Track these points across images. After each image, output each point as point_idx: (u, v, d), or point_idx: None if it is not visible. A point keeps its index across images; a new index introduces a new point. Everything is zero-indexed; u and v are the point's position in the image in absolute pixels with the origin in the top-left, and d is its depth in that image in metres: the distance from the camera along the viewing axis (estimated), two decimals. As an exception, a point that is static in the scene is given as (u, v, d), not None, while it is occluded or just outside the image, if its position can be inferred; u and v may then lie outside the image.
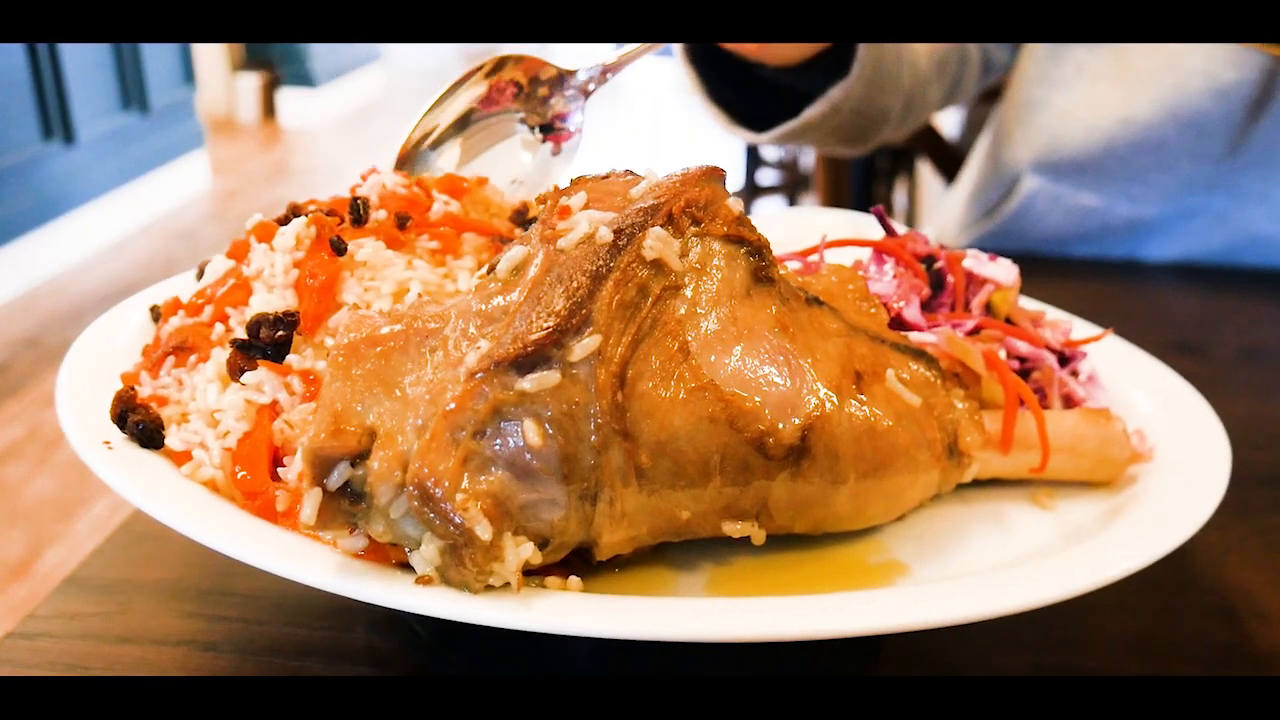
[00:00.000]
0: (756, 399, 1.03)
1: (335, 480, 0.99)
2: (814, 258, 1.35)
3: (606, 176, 1.12)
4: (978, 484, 1.25)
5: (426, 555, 0.98)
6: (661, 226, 1.03)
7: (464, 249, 1.33)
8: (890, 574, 1.10)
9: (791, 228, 1.69)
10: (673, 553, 1.11)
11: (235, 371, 1.27)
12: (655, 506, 1.02)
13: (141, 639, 1.29)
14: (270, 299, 1.30)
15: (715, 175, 1.11)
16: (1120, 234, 2.57)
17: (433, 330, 1.03)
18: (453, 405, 0.96)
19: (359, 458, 0.99)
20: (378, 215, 1.37)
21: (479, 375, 0.96)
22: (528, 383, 0.96)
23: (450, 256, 1.32)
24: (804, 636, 0.94)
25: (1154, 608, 1.34)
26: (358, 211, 1.36)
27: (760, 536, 1.07)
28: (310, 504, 0.98)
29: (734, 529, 1.05)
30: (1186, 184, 2.43)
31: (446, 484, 0.95)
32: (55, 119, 6.98)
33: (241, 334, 1.30)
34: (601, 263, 0.99)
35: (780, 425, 1.03)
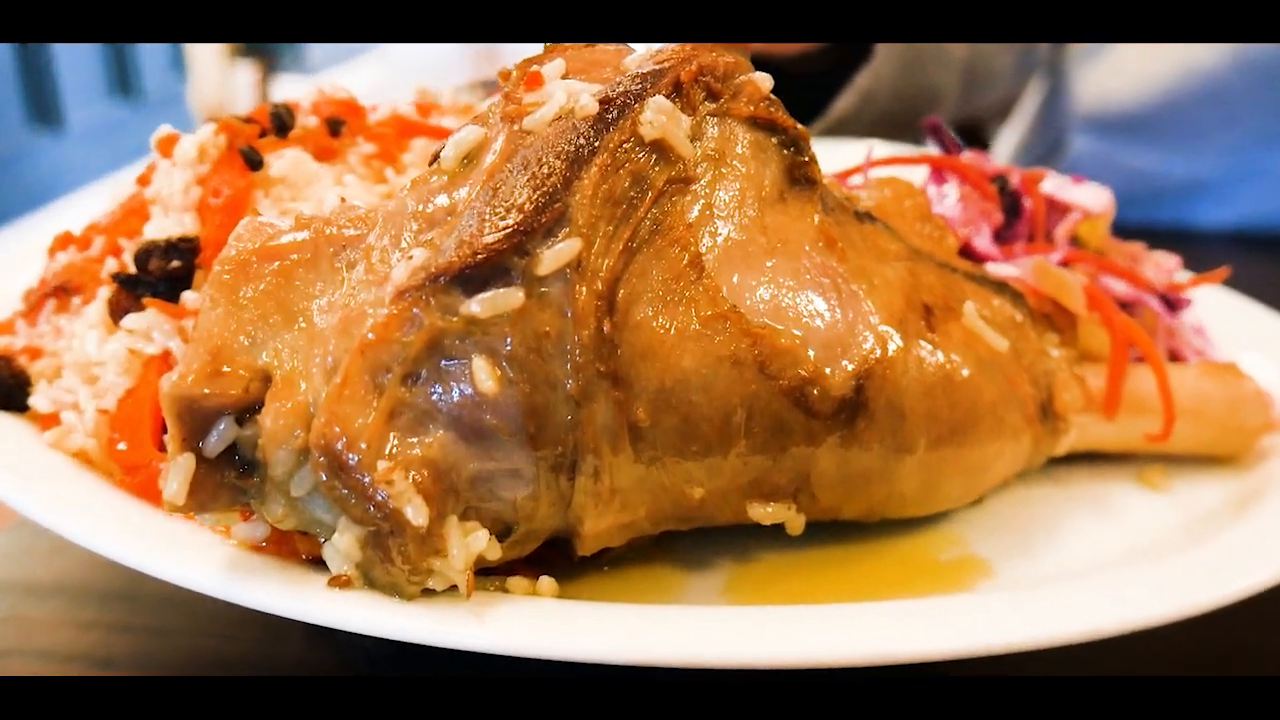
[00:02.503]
0: (795, 334, 0.75)
1: (215, 443, 0.71)
2: (858, 179, 1.07)
3: (593, 45, 0.84)
4: (1071, 458, 0.97)
5: (342, 547, 0.71)
6: (666, 96, 0.75)
7: (411, 160, 1.05)
8: (968, 575, 0.83)
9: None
10: (680, 546, 0.83)
11: (118, 314, 0.99)
12: (657, 481, 0.74)
13: (28, 652, 1.01)
14: (167, 224, 1.03)
15: (737, 50, 0.83)
16: (1172, 196, 2.34)
17: (351, 238, 0.75)
18: (372, 336, 0.68)
19: (247, 411, 0.71)
20: (308, 123, 1.09)
21: (410, 295, 0.68)
22: (478, 304, 0.68)
23: (392, 170, 1.04)
24: (860, 662, 0.66)
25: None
26: (280, 119, 1.08)
27: (798, 524, 0.79)
28: (178, 475, 0.70)
29: (763, 513, 0.77)
30: (1250, 139, 2.21)
31: (364, 447, 0.67)
32: (45, 107, 6.75)
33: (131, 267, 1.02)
34: (583, 141, 0.71)
35: (828, 371, 0.75)
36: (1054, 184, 1.08)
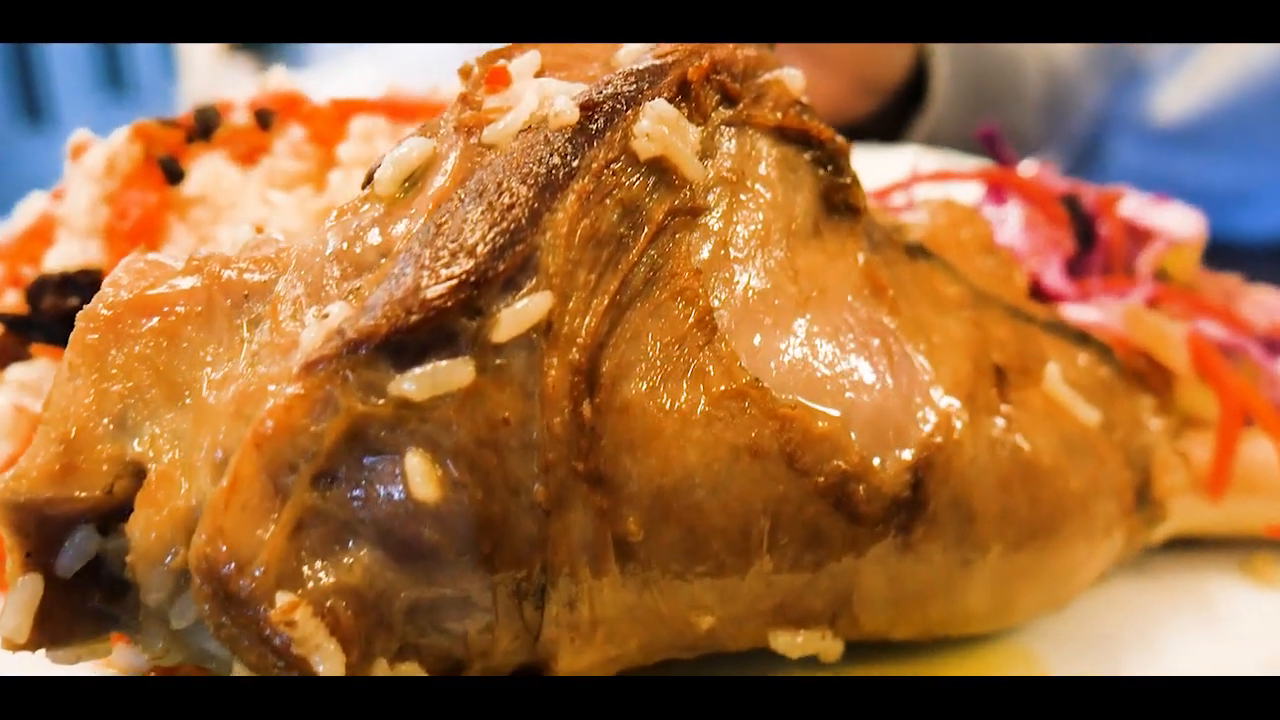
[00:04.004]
0: (835, 414, 0.57)
1: (70, 559, 0.54)
2: (900, 198, 0.89)
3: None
4: (1165, 546, 0.79)
5: (240, 692, 0.53)
6: (669, 100, 0.57)
7: (351, 156, 0.87)
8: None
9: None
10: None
11: (3, 362, 0.82)
12: (652, 608, 0.56)
13: None
14: (70, 250, 0.85)
15: (759, 46, 0.66)
16: (1211, 205, 2.19)
17: (257, 286, 0.57)
18: (271, 424, 0.50)
19: (112, 517, 0.54)
20: (237, 120, 0.92)
21: (322, 368, 0.51)
22: (412, 382, 0.50)
23: (338, 172, 0.87)
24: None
25: None
26: (205, 121, 0.91)
27: (835, 652, 0.62)
28: (20, 603, 0.53)
29: (791, 643, 0.60)
30: None
31: (260, 573, 0.50)
32: (34, 104, 6.60)
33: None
34: (557, 161, 0.54)
35: (877, 462, 0.58)
36: (1134, 205, 0.90)
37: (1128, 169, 2.19)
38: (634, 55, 0.62)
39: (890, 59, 1.59)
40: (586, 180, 0.54)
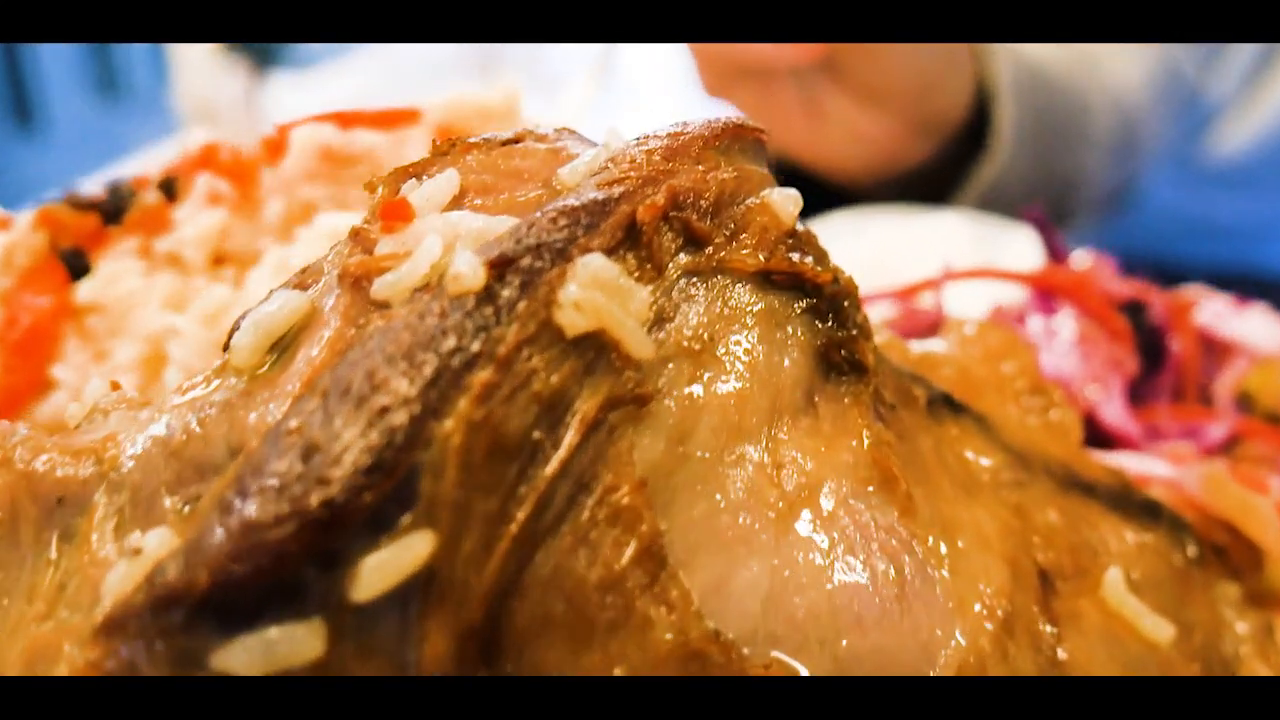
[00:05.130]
0: (825, 672, 0.43)
1: None
2: (927, 300, 0.75)
3: (517, 139, 0.53)
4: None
5: None
6: (608, 252, 0.43)
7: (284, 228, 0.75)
8: None
9: (864, 242, 1.08)
10: None
11: None
12: None
13: None
14: (-49, 362, 0.73)
15: (738, 142, 0.51)
16: (1240, 237, 2.03)
17: (74, 488, 0.44)
18: (56, 704, 0.37)
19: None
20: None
21: (126, 628, 0.38)
22: (242, 653, 0.37)
23: (276, 249, 0.74)
24: None
25: None
26: (116, 201, 0.78)
27: None
28: None
29: None
30: None
31: None
32: (23, 106, 6.56)
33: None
34: (453, 344, 0.40)
35: (881, 727, 0.43)
36: (1211, 313, 0.75)
37: (1163, 207, 2.02)
38: (580, 174, 0.49)
39: (951, 92, 1.38)
40: (490, 370, 0.40)
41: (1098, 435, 0.69)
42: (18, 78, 6.43)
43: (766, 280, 0.49)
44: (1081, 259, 0.81)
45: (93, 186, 0.81)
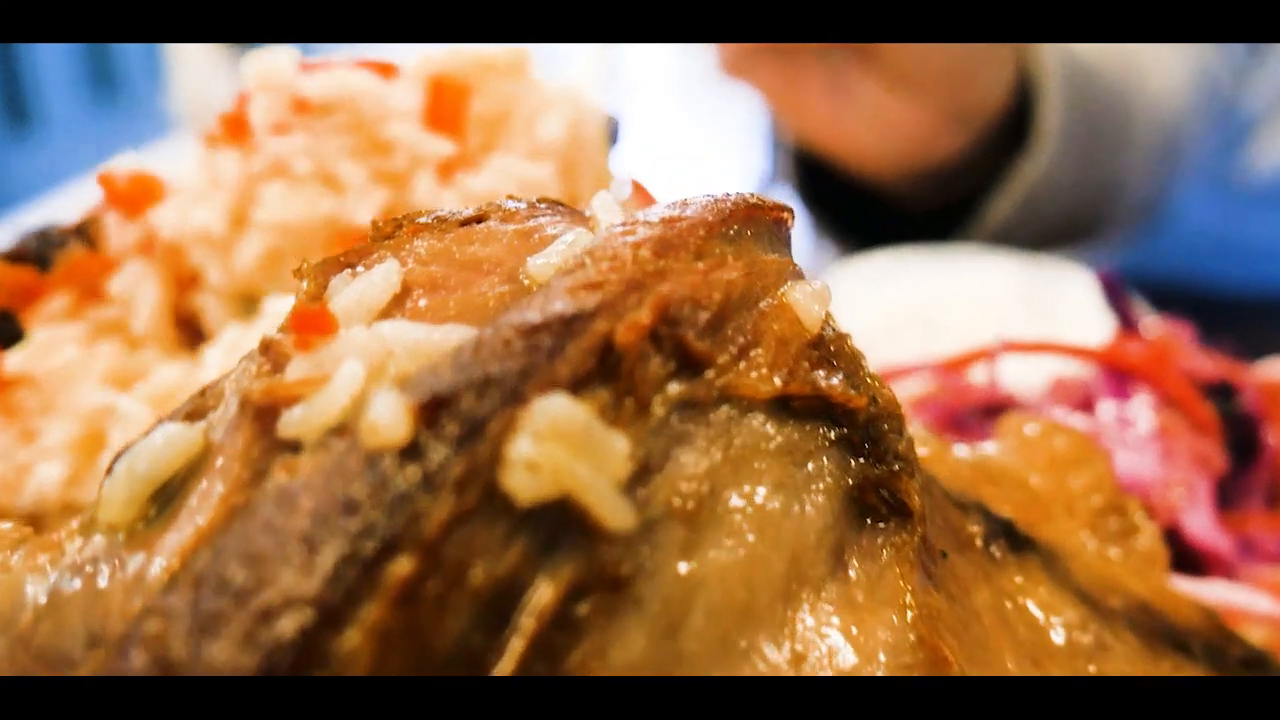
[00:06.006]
0: None
1: None
2: (976, 375, 0.64)
3: (480, 217, 0.43)
4: None
5: None
6: (573, 390, 0.33)
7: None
8: None
9: (900, 290, 0.98)
10: None
11: None
12: None
13: None
14: None
15: (751, 225, 0.41)
16: (1269, 255, 1.91)
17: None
18: None
19: None
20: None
21: None
22: None
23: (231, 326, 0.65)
24: None
25: None
26: (40, 252, 0.70)
27: None
28: None
29: None
30: None
31: None
32: (17, 105, 6.54)
33: None
34: (357, 526, 0.30)
35: None
36: (1310, 395, 0.64)
37: (1194, 224, 1.89)
38: (553, 267, 0.39)
39: (990, 80, 1.25)
40: (413, 559, 0.30)
41: (1182, 550, 0.58)
42: (12, 77, 6.41)
43: (784, 408, 0.38)
44: (1154, 327, 0.70)
45: (10, 234, 0.72)
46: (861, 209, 1.45)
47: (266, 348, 0.38)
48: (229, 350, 0.63)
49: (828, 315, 0.41)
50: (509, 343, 0.34)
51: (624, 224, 0.40)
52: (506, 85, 0.78)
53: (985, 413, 0.66)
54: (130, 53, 7.48)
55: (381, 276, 0.39)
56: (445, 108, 0.76)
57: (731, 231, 0.40)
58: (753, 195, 0.41)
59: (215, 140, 0.72)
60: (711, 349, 0.36)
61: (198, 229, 0.66)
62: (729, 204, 0.40)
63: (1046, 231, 1.35)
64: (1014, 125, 1.30)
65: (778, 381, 0.38)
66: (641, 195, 0.86)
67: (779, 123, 1.52)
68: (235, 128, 0.72)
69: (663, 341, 0.35)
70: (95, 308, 0.67)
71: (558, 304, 0.35)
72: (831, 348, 0.40)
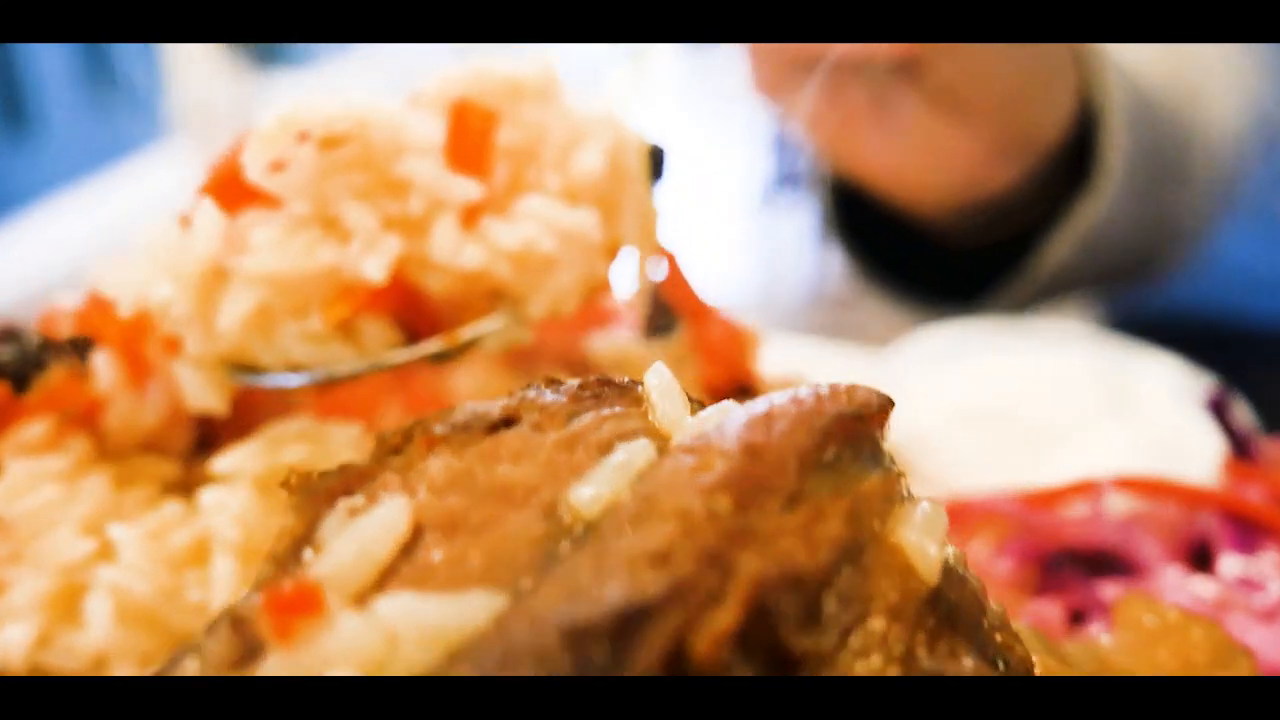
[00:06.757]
0: None
1: None
2: (1079, 509, 0.55)
3: (509, 417, 0.34)
4: None
5: None
6: None
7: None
8: None
9: (966, 376, 0.89)
10: None
11: None
12: None
13: None
14: None
15: (850, 446, 0.32)
16: None
17: None
18: None
19: None
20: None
21: None
22: None
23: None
24: None
25: None
26: (19, 369, 0.62)
27: None
28: None
29: None
30: None
31: None
32: (13, 106, 6.52)
33: None
34: None
35: None
36: None
37: (1233, 259, 1.79)
38: (600, 506, 0.30)
39: (1049, 106, 1.14)
40: None
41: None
42: (10, 79, 6.40)
43: (901, 694, 0.30)
44: (1271, 450, 0.61)
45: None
46: (906, 252, 1.36)
47: (234, 623, 0.29)
48: (229, 491, 0.55)
49: (946, 554, 0.32)
50: (549, 654, 0.25)
51: (693, 447, 0.31)
52: (536, 111, 0.66)
53: (1086, 563, 0.57)
54: (129, 54, 7.44)
55: (385, 520, 0.31)
56: (469, 140, 0.63)
57: (829, 458, 0.31)
58: (850, 400, 0.33)
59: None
60: (815, 644, 0.28)
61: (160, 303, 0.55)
62: (825, 420, 0.32)
63: (1099, 272, 1.26)
64: (1072, 158, 1.20)
65: (895, 658, 0.30)
66: (675, 277, 0.77)
67: (821, 160, 1.42)
68: (227, 187, 0.60)
69: (753, 648, 0.27)
70: (77, 436, 0.59)
71: (613, 590, 0.27)
72: (953, 597, 0.32)
